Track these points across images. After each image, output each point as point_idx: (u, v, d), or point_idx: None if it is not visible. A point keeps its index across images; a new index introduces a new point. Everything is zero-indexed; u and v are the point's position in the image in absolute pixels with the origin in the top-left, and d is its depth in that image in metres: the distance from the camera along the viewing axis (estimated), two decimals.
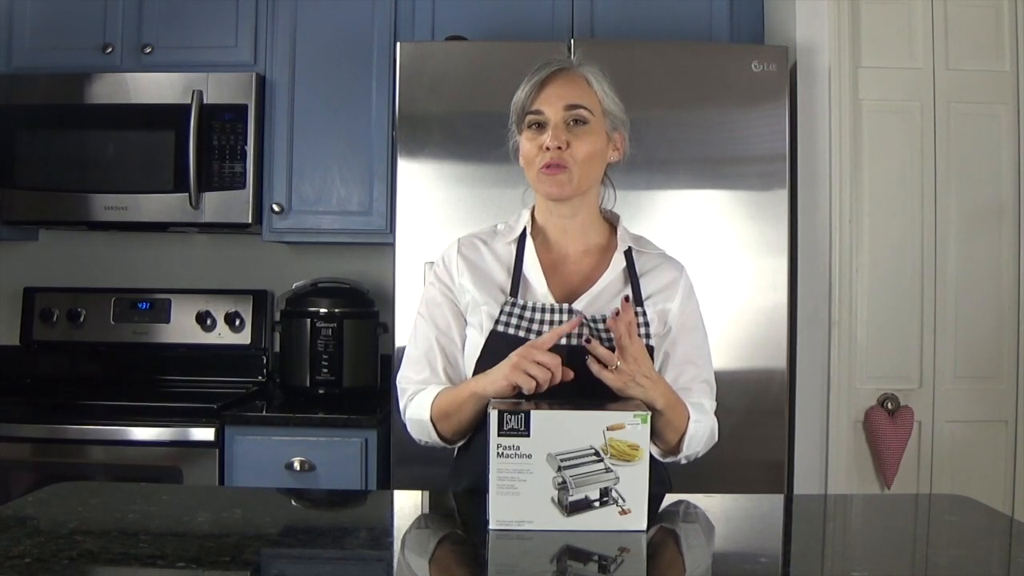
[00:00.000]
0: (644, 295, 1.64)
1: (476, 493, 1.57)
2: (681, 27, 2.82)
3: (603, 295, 1.62)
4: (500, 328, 1.58)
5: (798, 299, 2.56)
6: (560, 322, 1.57)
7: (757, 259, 2.47)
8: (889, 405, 2.58)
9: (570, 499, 1.31)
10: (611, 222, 1.72)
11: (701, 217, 2.48)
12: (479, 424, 1.57)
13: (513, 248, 1.66)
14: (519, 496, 1.31)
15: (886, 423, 2.55)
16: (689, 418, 1.58)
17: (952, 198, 2.61)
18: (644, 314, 1.61)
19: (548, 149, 1.56)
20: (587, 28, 2.84)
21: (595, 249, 1.68)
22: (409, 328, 1.74)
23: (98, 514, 1.42)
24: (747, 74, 2.46)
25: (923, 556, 1.36)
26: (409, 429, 1.67)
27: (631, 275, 1.65)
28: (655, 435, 1.54)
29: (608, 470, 1.31)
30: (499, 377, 1.47)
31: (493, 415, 1.32)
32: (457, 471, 1.69)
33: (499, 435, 1.31)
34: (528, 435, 1.31)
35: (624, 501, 1.32)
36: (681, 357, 1.66)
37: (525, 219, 1.68)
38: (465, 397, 1.55)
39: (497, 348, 1.55)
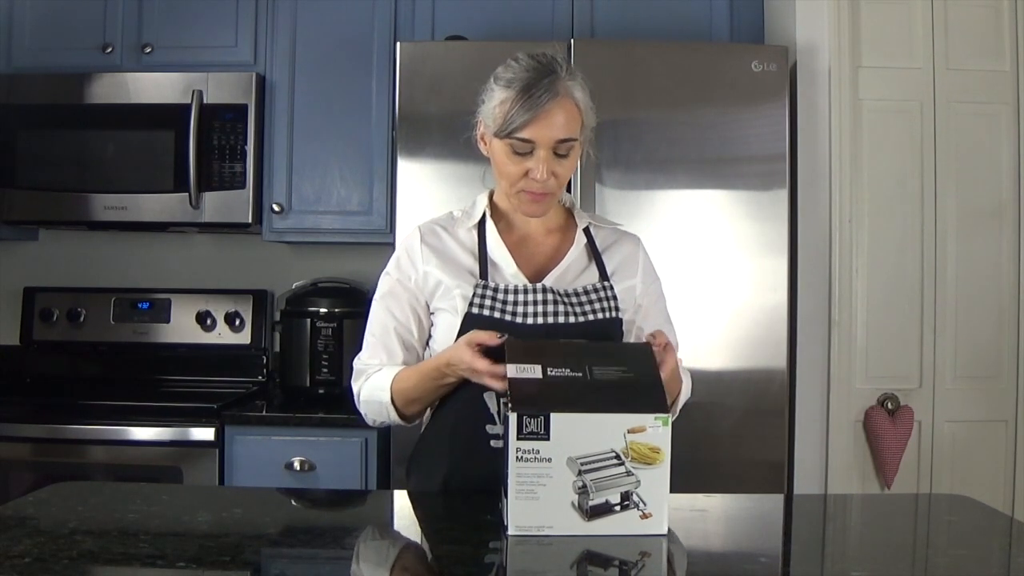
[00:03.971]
0: (609, 271, 1.69)
1: (467, 493, 1.58)
2: (681, 27, 2.82)
3: (570, 271, 1.67)
4: (475, 310, 1.60)
5: (798, 299, 2.56)
6: (534, 301, 1.60)
7: (757, 259, 2.48)
8: (889, 405, 2.58)
9: (591, 503, 1.29)
10: (565, 205, 1.77)
11: (701, 217, 2.48)
12: (437, 404, 1.65)
13: (475, 234, 1.69)
14: (538, 501, 1.29)
15: (886, 423, 2.55)
16: (681, 382, 1.66)
17: (952, 198, 2.61)
18: (611, 288, 1.67)
19: (535, 179, 1.58)
20: (587, 28, 2.85)
21: (556, 228, 1.73)
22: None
23: (98, 514, 1.42)
24: (747, 74, 2.46)
25: (923, 556, 1.36)
26: (362, 411, 1.70)
27: (593, 251, 1.71)
28: None
29: (629, 473, 1.29)
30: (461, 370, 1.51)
31: (512, 418, 1.29)
32: (423, 464, 1.69)
33: (518, 439, 1.28)
34: (548, 438, 1.28)
35: (645, 505, 1.30)
36: (652, 327, 1.70)
37: (483, 204, 1.71)
38: (435, 378, 1.57)
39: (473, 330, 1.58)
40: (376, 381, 1.66)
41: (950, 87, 2.61)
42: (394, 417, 1.65)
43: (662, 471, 1.30)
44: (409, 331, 1.69)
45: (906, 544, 1.43)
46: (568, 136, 1.57)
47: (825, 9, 2.58)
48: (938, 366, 2.61)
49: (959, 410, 2.61)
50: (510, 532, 1.30)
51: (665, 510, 1.31)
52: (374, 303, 1.72)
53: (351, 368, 1.74)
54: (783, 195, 2.48)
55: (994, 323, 2.62)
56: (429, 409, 1.69)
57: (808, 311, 2.57)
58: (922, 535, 1.50)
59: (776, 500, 1.30)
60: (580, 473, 1.28)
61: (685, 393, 1.71)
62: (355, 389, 1.71)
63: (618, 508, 1.30)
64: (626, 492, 1.29)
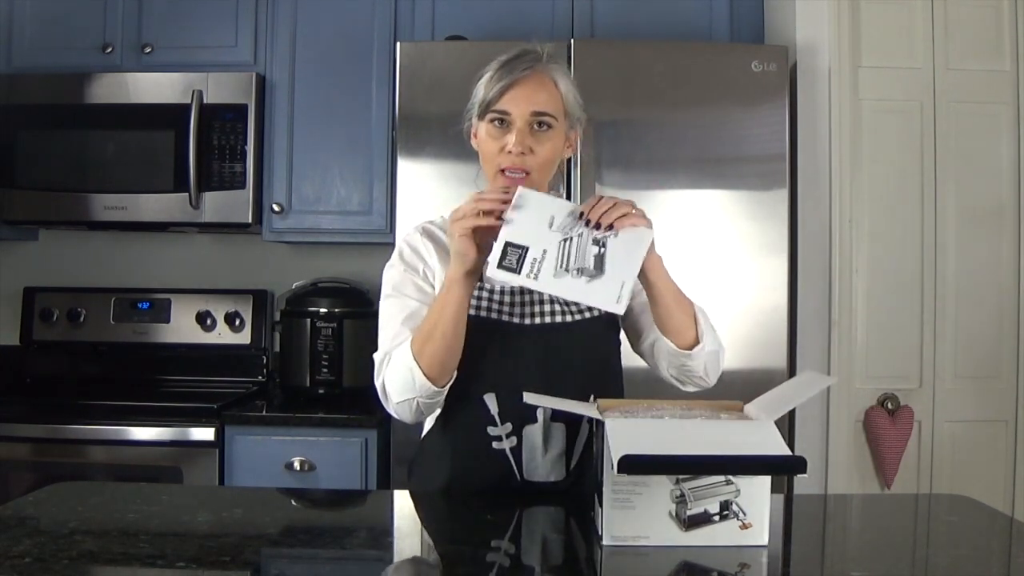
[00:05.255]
0: None
1: (468, 494, 1.57)
2: (681, 27, 2.82)
3: None
4: (472, 312, 1.57)
5: (798, 299, 2.56)
6: (530, 302, 1.58)
7: (757, 259, 2.48)
8: (889, 405, 2.58)
9: (688, 513, 1.25)
10: None
11: (701, 217, 2.48)
12: (461, 357, 1.52)
13: None
14: (635, 510, 1.25)
15: (886, 423, 2.55)
16: (693, 306, 1.58)
17: (952, 198, 2.61)
18: None
19: (510, 153, 1.56)
20: (587, 28, 2.85)
21: None
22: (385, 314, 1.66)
23: (98, 514, 1.42)
24: (747, 74, 2.46)
25: (923, 556, 1.36)
26: (389, 392, 1.56)
27: None
28: (668, 324, 1.55)
29: (728, 482, 1.25)
30: (453, 248, 1.47)
31: (609, 423, 1.26)
32: (426, 468, 1.66)
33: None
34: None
35: (745, 515, 1.26)
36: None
37: None
38: (441, 298, 1.49)
39: (474, 332, 1.54)
40: (398, 352, 1.55)
41: (950, 87, 2.61)
42: (419, 376, 1.50)
43: (763, 480, 1.27)
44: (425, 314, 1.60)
45: (906, 544, 1.43)
46: (543, 110, 1.56)
47: (825, 9, 2.58)
48: (938, 366, 2.61)
49: (959, 410, 2.61)
50: (605, 542, 1.26)
51: (766, 520, 1.26)
52: (385, 299, 1.66)
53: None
54: (783, 195, 2.48)
55: (994, 323, 2.62)
56: (431, 418, 1.65)
57: (808, 311, 2.57)
58: (922, 535, 1.50)
59: (776, 500, 1.30)
60: (678, 482, 1.25)
61: (709, 330, 1.61)
62: (378, 381, 1.58)
63: (717, 518, 1.25)
64: (725, 502, 1.26)
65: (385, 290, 1.67)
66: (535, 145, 1.56)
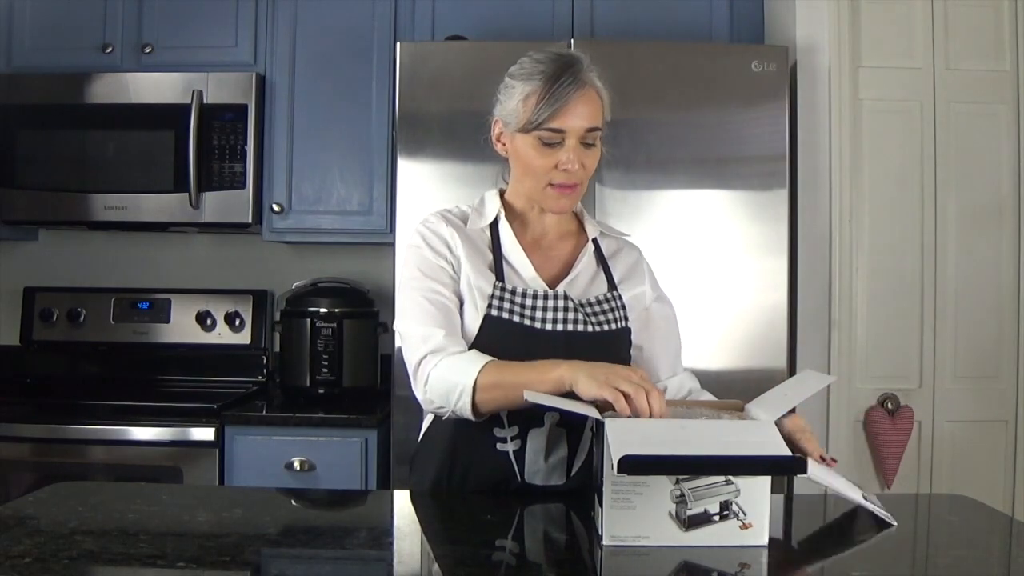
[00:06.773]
0: (616, 279, 1.69)
1: (468, 494, 1.57)
2: (681, 27, 2.82)
3: (581, 278, 1.66)
4: (494, 312, 1.57)
5: (798, 299, 2.56)
6: (553, 307, 1.58)
7: (757, 259, 2.48)
8: (889, 405, 2.58)
9: (688, 513, 1.25)
10: (575, 212, 1.75)
11: (701, 217, 2.48)
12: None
13: (488, 233, 1.66)
14: (635, 510, 1.25)
15: (886, 423, 2.55)
16: None
17: (952, 198, 2.61)
18: (620, 297, 1.66)
19: (567, 170, 1.56)
20: (587, 28, 2.85)
21: (568, 234, 1.72)
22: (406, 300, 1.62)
23: (98, 514, 1.42)
24: (747, 74, 2.47)
25: (923, 556, 1.36)
26: (426, 387, 1.52)
27: (601, 260, 1.70)
28: None
29: (728, 482, 1.25)
30: (592, 383, 1.35)
31: (609, 424, 1.26)
32: (427, 462, 1.66)
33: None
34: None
35: (745, 515, 1.26)
36: (665, 334, 1.74)
37: (495, 203, 1.68)
38: (550, 380, 1.40)
39: (493, 332, 1.55)
40: (459, 361, 1.50)
41: (950, 87, 2.61)
42: (465, 402, 1.47)
43: (763, 480, 1.27)
44: (456, 304, 1.59)
45: (906, 544, 1.43)
46: (594, 125, 1.57)
47: (825, 9, 2.58)
48: (938, 366, 2.61)
49: (959, 410, 2.61)
50: (605, 542, 1.26)
51: (766, 520, 1.26)
52: (411, 280, 1.61)
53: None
54: (783, 195, 2.48)
55: (994, 323, 2.62)
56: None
57: (808, 311, 2.57)
58: (922, 535, 1.50)
59: (776, 500, 1.30)
60: (678, 482, 1.25)
61: None
62: (417, 359, 1.54)
63: (717, 518, 1.26)
64: (725, 502, 1.26)
65: (409, 271, 1.62)
66: (585, 159, 1.58)
